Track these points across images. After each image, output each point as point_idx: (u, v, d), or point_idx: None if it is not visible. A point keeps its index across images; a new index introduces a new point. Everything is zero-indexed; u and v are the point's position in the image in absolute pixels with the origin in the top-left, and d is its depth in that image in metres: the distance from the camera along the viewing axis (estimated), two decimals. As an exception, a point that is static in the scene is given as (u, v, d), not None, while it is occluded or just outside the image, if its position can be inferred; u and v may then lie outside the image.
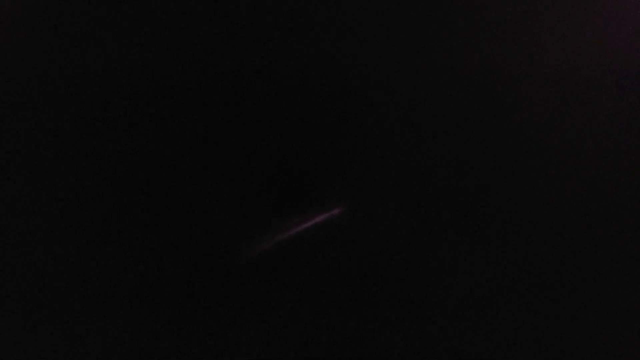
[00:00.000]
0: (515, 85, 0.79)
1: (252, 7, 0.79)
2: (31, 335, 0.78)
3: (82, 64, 0.79)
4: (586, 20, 0.79)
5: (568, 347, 0.77)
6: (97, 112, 0.79)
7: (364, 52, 0.79)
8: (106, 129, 0.79)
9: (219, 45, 0.79)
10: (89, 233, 0.78)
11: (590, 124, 0.79)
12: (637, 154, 0.78)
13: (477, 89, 0.79)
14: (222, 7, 0.79)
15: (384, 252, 0.78)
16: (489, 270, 0.78)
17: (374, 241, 0.78)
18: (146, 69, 0.79)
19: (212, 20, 0.79)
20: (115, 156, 0.79)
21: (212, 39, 0.79)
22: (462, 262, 0.78)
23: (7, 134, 0.79)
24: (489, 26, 0.79)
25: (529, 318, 0.77)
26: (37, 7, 0.80)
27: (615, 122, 0.78)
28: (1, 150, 0.79)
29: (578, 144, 0.78)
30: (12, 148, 0.79)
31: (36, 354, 0.78)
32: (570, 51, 0.79)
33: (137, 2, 0.79)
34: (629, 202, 0.78)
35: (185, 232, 0.78)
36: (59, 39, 0.80)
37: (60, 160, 0.79)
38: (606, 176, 0.78)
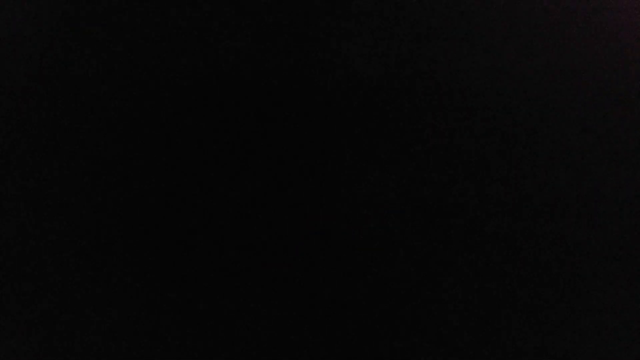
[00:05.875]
0: (510, 86, 0.79)
1: (249, 8, 0.80)
2: (31, 335, 0.78)
3: (80, 63, 0.80)
4: (585, 21, 0.79)
5: (568, 347, 0.77)
6: (93, 110, 0.79)
7: (355, 53, 0.79)
8: (100, 127, 0.79)
9: (206, 43, 0.79)
10: (81, 232, 0.79)
11: (590, 125, 0.79)
12: (637, 155, 0.78)
13: (473, 91, 0.79)
14: (221, 7, 0.80)
15: (378, 251, 0.78)
16: (485, 272, 0.78)
17: (367, 240, 0.78)
18: (139, 66, 0.79)
19: (209, 19, 0.80)
20: (109, 156, 0.79)
21: (204, 37, 0.80)
22: (458, 262, 0.78)
23: (7, 134, 0.79)
24: (487, 28, 0.79)
25: (527, 319, 0.77)
26: (37, 7, 0.80)
27: (615, 124, 0.79)
28: (2, 150, 0.80)
29: (578, 145, 0.78)
30: (13, 147, 0.79)
31: (36, 353, 0.78)
32: (570, 52, 0.79)
33: (137, 2, 0.80)
34: (629, 203, 0.78)
35: (177, 231, 0.78)
36: (58, 38, 0.80)
37: (60, 159, 0.79)
38: (606, 177, 0.78)
